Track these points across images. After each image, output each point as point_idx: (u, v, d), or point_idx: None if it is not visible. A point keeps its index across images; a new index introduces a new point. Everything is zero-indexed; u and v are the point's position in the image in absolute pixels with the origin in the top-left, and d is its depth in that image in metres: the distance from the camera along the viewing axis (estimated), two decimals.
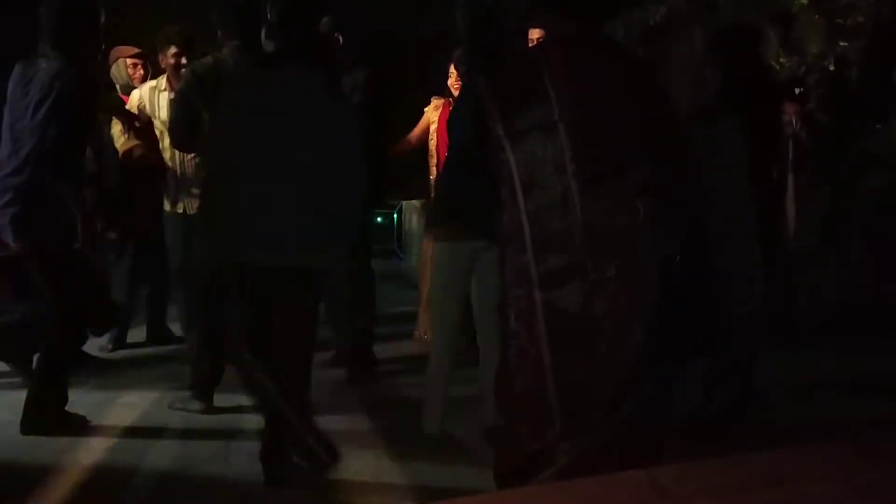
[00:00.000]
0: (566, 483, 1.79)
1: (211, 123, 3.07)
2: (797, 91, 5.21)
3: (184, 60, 4.33)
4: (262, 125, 2.93)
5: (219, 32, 3.88)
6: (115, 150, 4.74)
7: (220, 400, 3.94)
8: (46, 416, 3.60)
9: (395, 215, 9.68)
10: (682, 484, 1.31)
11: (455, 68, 4.57)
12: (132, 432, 3.71)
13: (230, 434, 3.62)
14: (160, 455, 3.39)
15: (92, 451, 3.43)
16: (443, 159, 4.83)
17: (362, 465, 3.23)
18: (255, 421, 3.30)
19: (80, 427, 3.68)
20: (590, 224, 2.29)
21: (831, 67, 5.75)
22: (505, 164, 2.37)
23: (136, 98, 4.56)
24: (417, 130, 5.03)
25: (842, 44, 5.84)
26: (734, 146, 3.19)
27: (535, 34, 4.36)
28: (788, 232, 5.08)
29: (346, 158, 3.00)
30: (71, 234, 3.49)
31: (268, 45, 3.10)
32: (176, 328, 5.19)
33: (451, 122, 3.58)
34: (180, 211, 4.24)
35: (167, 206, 4.30)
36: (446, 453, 3.31)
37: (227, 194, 2.95)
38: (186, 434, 3.66)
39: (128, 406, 4.08)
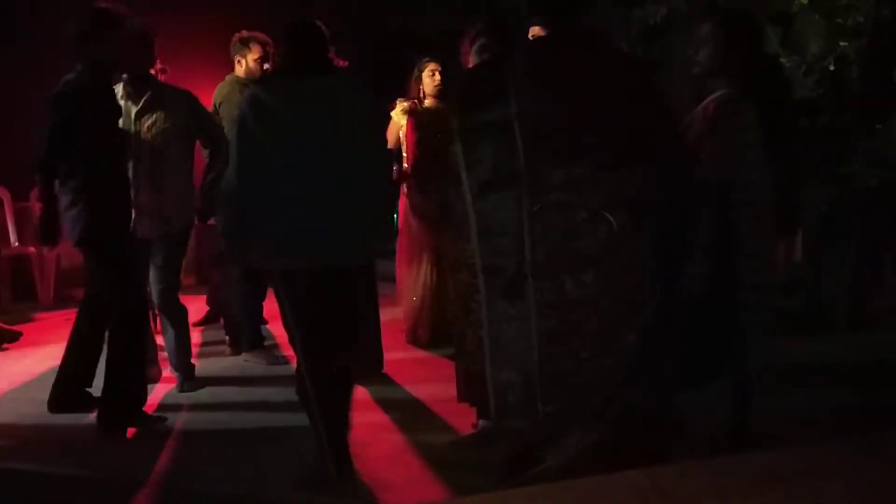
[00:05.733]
0: (566, 483, 1.79)
1: (241, 135, 3.06)
2: None
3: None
4: (294, 133, 2.94)
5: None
6: None
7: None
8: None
9: (395, 216, 9.67)
10: (682, 484, 1.32)
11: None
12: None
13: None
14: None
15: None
16: (412, 163, 4.91)
17: (363, 463, 3.23)
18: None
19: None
20: (547, 225, 2.28)
21: (831, 67, 5.75)
22: (453, 157, 2.40)
23: None
24: (391, 137, 4.91)
25: (842, 44, 5.83)
26: (754, 142, 3.06)
27: (535, 32, 4.37)
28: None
29: (375, 158, 3.06)
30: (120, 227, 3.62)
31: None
32: None
33: None
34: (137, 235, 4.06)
35: None
36: (452, 452, 3.31)
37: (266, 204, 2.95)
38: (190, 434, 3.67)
39: None
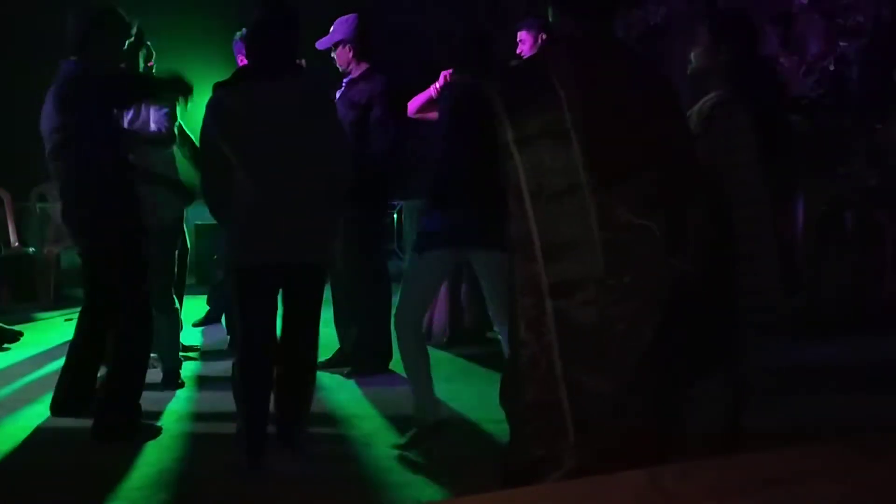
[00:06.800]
0: (567, 483, 1.79)
1: (203, 139, 3.17)
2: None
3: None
4: (256, 135, 3.04)
5: None
6: None
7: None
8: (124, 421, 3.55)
9: (395, 215, 9.66)
10: (682, 484, 1.31)
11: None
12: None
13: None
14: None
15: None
16: None
17: (364, 462, 3.24)
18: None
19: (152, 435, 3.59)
20: (606, 232, 2.28)
21: (831, 67, 5.76)
22: (513, 171, 2.34)
23: None
24: None
25: (842, 44, 5.84)
26: (749, 143, 3.08)
27: (524, 36, 4.42)
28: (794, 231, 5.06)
29: (333, 157, 3.17)
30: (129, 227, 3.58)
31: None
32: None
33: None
34: None
35: None
36: (451, 451, 3.32)
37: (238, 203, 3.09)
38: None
39: None
